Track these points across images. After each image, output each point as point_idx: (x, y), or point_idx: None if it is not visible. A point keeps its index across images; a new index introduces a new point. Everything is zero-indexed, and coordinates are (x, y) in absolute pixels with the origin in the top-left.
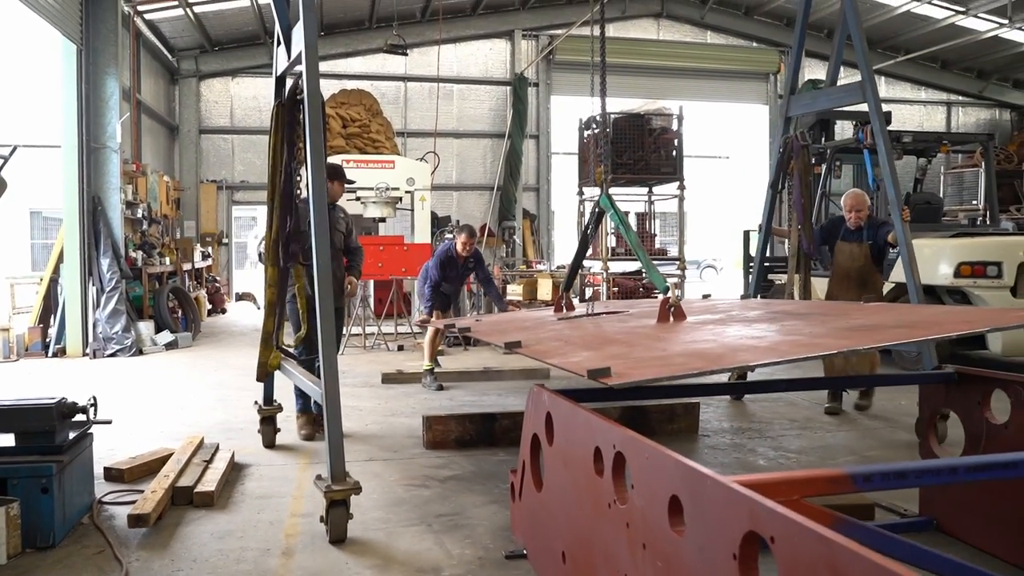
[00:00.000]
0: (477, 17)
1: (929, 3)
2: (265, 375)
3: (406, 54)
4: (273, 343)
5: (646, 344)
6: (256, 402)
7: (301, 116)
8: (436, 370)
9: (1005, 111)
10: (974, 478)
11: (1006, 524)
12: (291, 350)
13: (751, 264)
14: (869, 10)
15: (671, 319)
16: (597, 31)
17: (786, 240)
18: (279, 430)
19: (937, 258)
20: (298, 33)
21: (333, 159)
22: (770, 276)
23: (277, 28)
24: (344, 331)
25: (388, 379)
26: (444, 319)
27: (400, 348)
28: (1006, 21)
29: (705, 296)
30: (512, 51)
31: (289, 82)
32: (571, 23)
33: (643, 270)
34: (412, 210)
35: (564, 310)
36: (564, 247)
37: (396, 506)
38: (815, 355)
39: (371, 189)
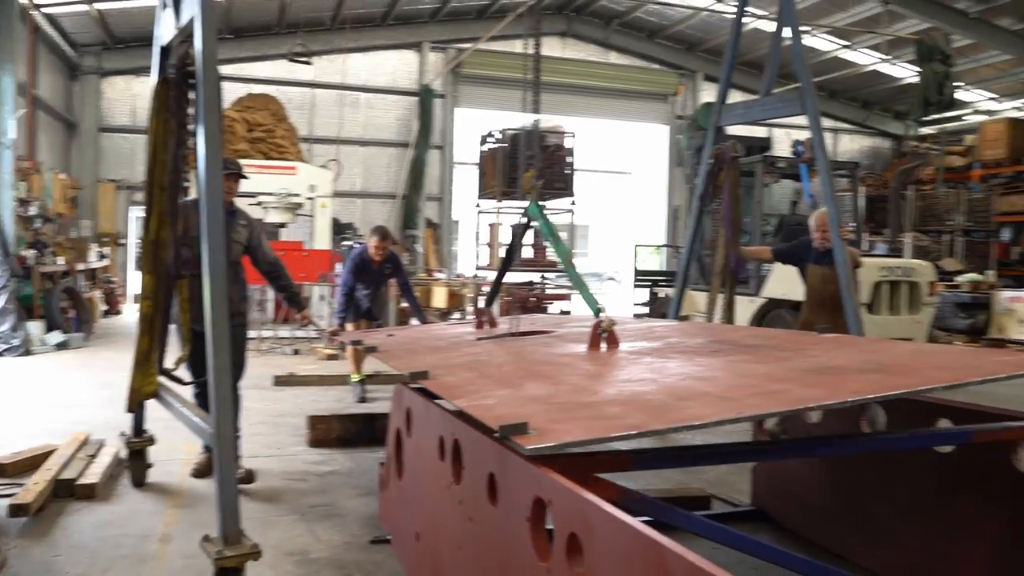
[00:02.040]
0: (386, 28)
1: (816, 36)
2: (137, 405)
3: (309, 63)
4: (150, 366)
5: (574, 381)
6: (123, 433)
7: (192, 94)
8: (365, 380)
9: (886, 139)
10: (753, 459)
11: (820, 510)
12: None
13: (640, 278)
14: (761, 40)
15: (603, 346)
16: (505, 46)
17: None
18: (151, 466)
19: (797, 279)
20: None
21: None
22: (656, 288)
23: None
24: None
25: (280, 382)
26: (359, 331)
27: (296, 352)
28: (887, 57)
29: (564, 313)
30: (420, 62)
31: (178, 53)
32: (478, 37)
33: (576, 288)
34: (313, 216)
35: (485, 326)
36: (466, 256)
37: (273, 498)
38: (781, 411)
39: (272, 194)
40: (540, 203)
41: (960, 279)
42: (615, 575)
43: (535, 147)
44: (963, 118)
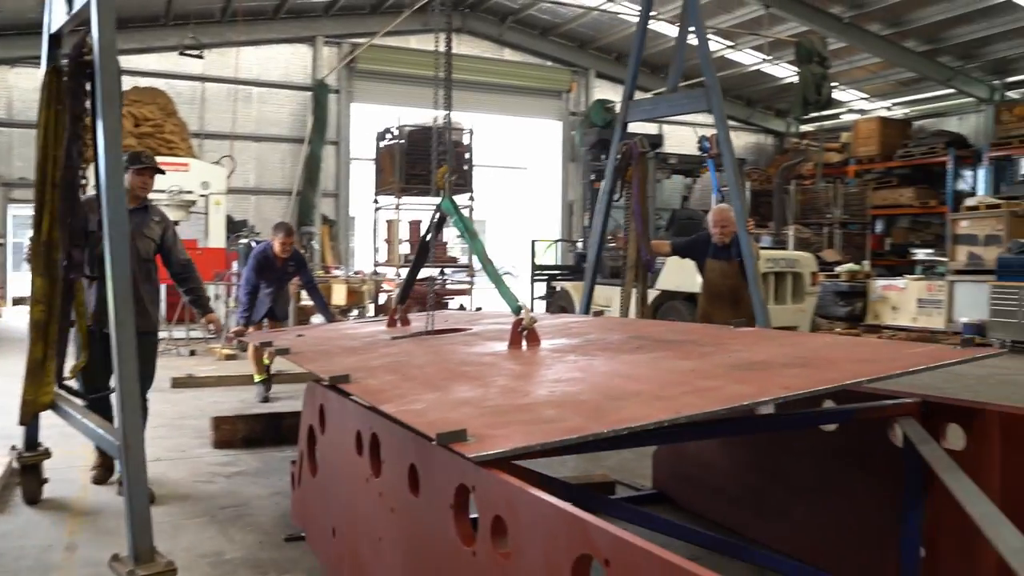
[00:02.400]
0: (279, 21)
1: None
2: (31, 417)
3: (201, 57)
4: (46, 375)
5: (502, 383)
6: (14, 447)
7: (89, 84)
8: (270, 380)
9: (769, 136)
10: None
11: (717, 491)
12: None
13: (538, 272)
14: (651, 38)
15: (524, 344)
16: (400, 42)
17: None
18: (46, 480)
19: (693, 271)
20: None
21: None
22: (554, 283)
23: None
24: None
25: (178, 384)
26: (264, 332)
27: (192, 353)
28: (769, 57)
29: (477, 309)
30: (314, 57)
31: (72, 41)
32: (374, 32)
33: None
34: (207, 214)
35: (398, 324)
36: (363, 253)
37: (182, 501)
38: (718, 410)
39: (164, 192)
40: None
41: (839, 269)
42: (540, 551)
43: (448, 143)
44: (839, 116)
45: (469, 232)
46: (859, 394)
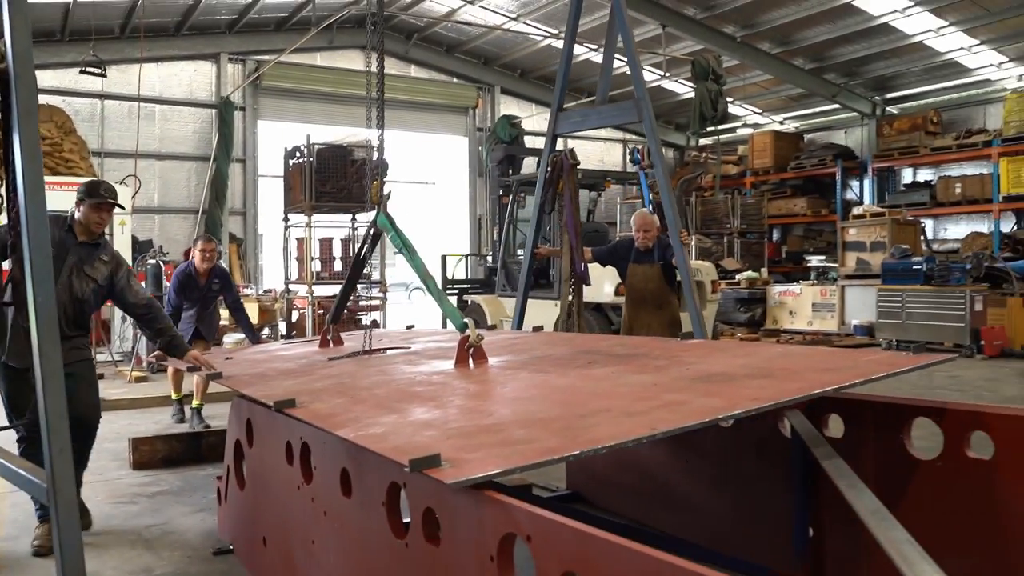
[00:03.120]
0: (181, 37)
1: (602, 53)
2: None
3: (104, 75)
4: None
5: (460, 403)
6: None
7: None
8: (186, 402)
9: (670, 149)
10: None
11: (628, 488)
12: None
13: (449, 287)
14: (555, 56)
15: (471, 362)
16: (306, 59)
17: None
18: None
19: (602, 279)
20: None
21: None
22: (466, 296)
23: None
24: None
25: None
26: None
27: (101, 376)
28: (667, 74)
29: (409, 327)
30: (218, 74)
31: None
32: (279, 50)
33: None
34: (111, 235)
35: (331, 345)
36: (273, 271)
37: (105, 522)
38: (694, 424)
39: (65, 213)
40: (389, 213)
41: (739, 277)
42: (469, 535)
43: (381, 159)
44: (735, 130)
45: (408, 248)
46: None
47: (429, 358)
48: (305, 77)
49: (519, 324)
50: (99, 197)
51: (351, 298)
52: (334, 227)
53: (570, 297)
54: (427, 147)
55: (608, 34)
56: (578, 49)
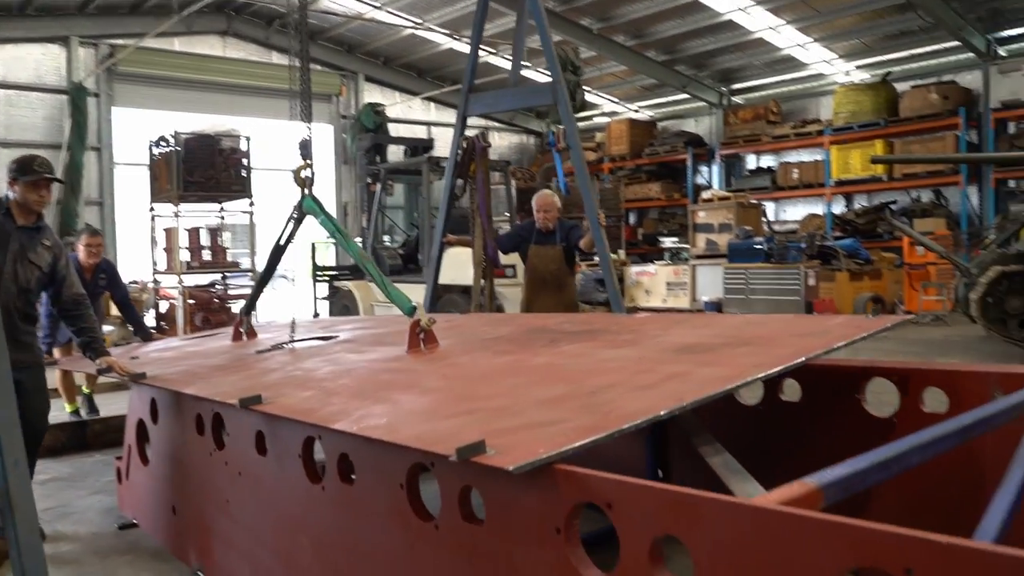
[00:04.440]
0: (27, 18)
1: (467, 42)
2: None
3: None
4: None
5: (447, 387)
6: None
7: None
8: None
9: (531, 136)
10: None
11: None
12: None
13: (320, 273)
14: (419, 44)
15: (423, 347)
16: (164, 44)
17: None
18: None
19: (467, 263)
20: None
21: None
22: (336, 283)
23: None
24: None
25: None
26: (78, 357)
27: None
28: (528, 64)
29: (315, 315)
30: (69, 58)
31: None
32: (135, 34)
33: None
34: None
35: (244, 338)
36: (132, 261)
37: None
38: (720, 391)
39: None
40: (315, 197)
41: (597, 258)
42: (378, 479)
43: (307, 144)
44: (593, 119)
45: (340, 233)
46: None
47: (370, 345)
48: (163, 63)
49: (431, 306)
50: (34, 173)
51: (263, 289)
52: (202, 215)
53: (482, 281)
54: (291, 135)
55: (518, 17)
56: (440, 39)
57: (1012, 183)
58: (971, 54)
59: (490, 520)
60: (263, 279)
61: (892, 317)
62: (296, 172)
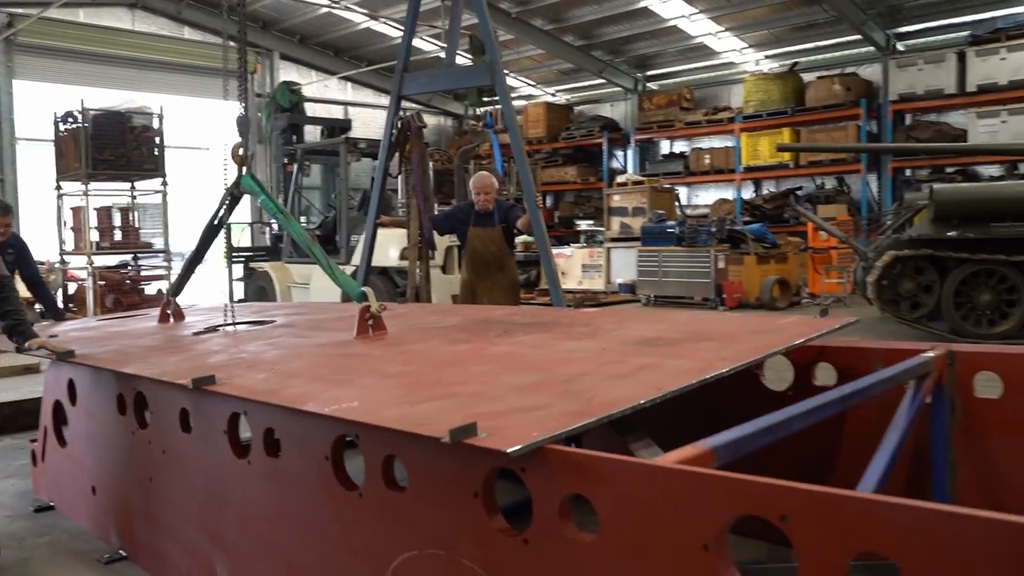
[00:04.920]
0: None
1: (387, 23)
2: None
3: None
4: None
5: (412, 372)
6: None
7: None
8: None
9: (449, 119)
10: None
11: None
12: None
13: (236, 255)
14: (336, 23)
15: (371, 333)
16: (68, 15)
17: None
18: None
19: (387, 244)
20: None
21: None
22: (252, 265)
23: None
24: None
25: None
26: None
27: None
28: (446, 46)
29: (240, 301)
30: None
31: None
32: (37, 3)
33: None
34: None
35: (171, 320)
36: (37, 240)
37: None
38: (696, 381)
39: None
40: (254, 175)
41: (516, 241)
42: (301, 452)
43: (245, 120)
44: (512, 102)
45: (283, 213)
46: None
47: (311, 330)
48: (68, 35)
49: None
50: None
51: (194, 270)
52: (112, 195)
53: (418, 262)
54: (203, 112)
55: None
56: (358, 17)
57: (908, 172)
58: (872, 48)
59: (413, 487)
60: (193, 259)
61: (841, 318)
62: (234, 149)
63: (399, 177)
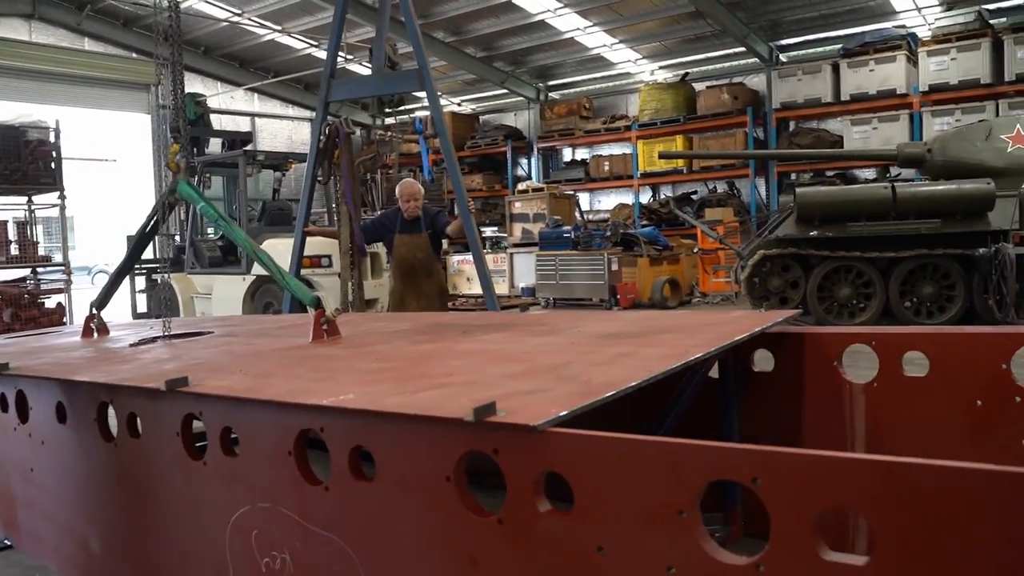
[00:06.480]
0: None
1: (290, 35)
2: None
3: None
4: None
5: (398, 368)
6: None
7: None
8: None
9: (357, 128)
10: None
11: None
12: None
13: (139, 266)
14: (240, 35)
15: (326, 338)
16: None
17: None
18: None
19: (287, 255)
20: None
21: None
22: (154, 276)
23: None
24: None
25: None
26: None
27: None
28: (351, 57)
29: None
30: None
31: None
32: None
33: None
34: None
35: (96, 334)
36: None
37: None
38: (679, 364)
39: None
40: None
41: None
42: (262, 447)
43: (182, 123)
44: (415, 111)
45: (225, 220)
46: None
47: (256, 338)
48: None
49: (290, 309)
50: None
51: (122, 281)
52: (6, 209)
53: (352, 271)
54: (107, 124)
55: (381, 3)
56: (262, 31)
57: (793, 176)
58: (756, 59)
59: (381, 475)
60: (122, 269)
61: (786, 312)
62: (170, 155)
63: (329, 183)
